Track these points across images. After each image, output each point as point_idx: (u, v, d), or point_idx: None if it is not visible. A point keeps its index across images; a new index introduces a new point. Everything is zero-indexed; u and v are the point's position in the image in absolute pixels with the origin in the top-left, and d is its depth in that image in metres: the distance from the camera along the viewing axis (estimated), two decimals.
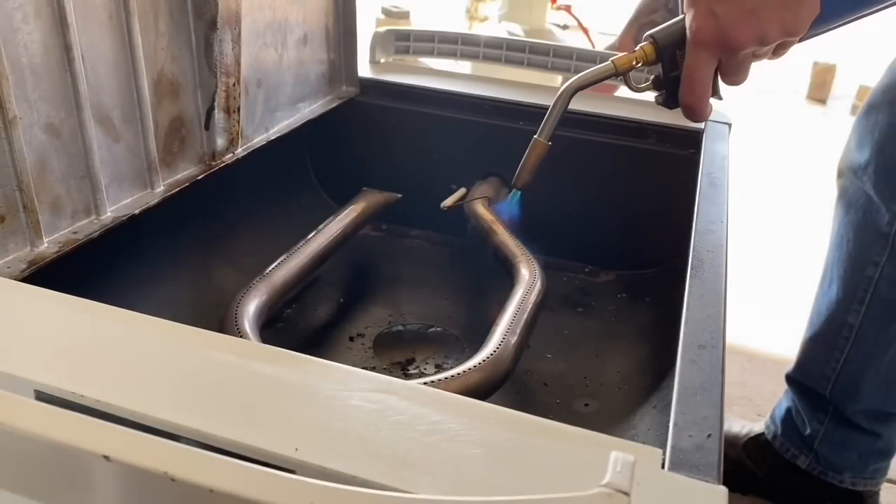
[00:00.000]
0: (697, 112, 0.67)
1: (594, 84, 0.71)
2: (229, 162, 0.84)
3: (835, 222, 0.95)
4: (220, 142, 0.83)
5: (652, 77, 0.70)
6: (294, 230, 0.87)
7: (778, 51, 0.64)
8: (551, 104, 0.73)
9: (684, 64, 0.65)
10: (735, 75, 0.65)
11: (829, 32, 0.64)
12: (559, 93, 0.72)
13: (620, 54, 0.69)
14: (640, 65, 0.68)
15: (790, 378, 1.02)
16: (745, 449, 1.07)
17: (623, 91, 1.08)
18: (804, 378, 0.99)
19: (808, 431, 0.99)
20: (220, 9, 0.76)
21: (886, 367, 0.92)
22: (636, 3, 1.10)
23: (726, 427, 1.10)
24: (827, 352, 0.95)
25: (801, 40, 0.62)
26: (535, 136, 0.75)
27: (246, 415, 0.39)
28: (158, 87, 0.74)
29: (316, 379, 0.42)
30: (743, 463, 1.07)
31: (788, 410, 1.02)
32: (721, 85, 0.68)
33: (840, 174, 0.95)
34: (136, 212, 0.72)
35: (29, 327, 0.46)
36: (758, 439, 1.06)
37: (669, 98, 0.69)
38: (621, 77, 0.70)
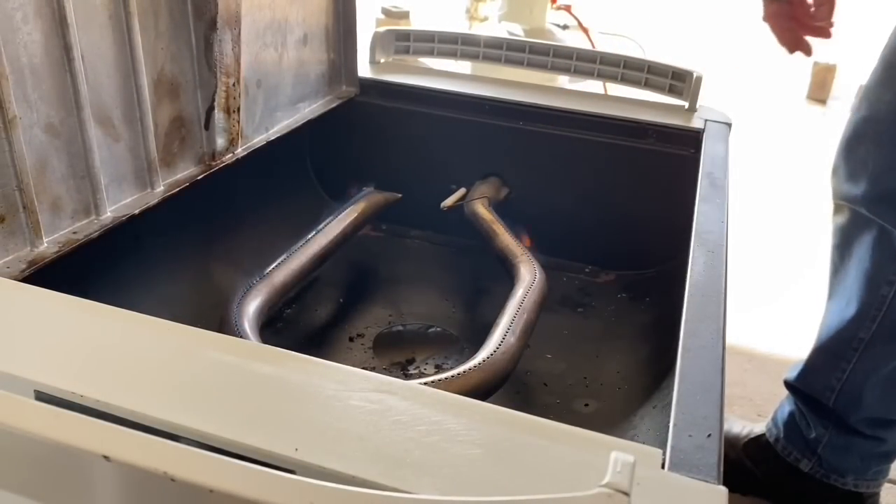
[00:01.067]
0: None
1: None
2: (229, 162, 0.84)
3: (843, 242, 0.94)
4: (220, 142, 0.83)
5: None
6: (294, 230, 0.87)
7: None
8: None
9: None
10: None
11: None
12: None
13: None
14: None
15: (791, 386, 1.02)
16: (745, 450, 1.07)
17: (623, 91, 1.08)
18: (806, 387, 0.99)
19: (812, 436, 0.98)
20: (220, 9, 0.76)
21: (888, 376, 0.92)
22: None
23: (726, 428, 1.10)
24: (833, 363, 0.94)
25: None
26: None
27: (246, 415, 0.39)
28: (158, 87, 0.74)
29: (316, 379, 0.42)
30: (743, 464, 1.07)
31: (791, 415, 1.02)
32: None
33: (838, 209, 0.94)
34: (136, 212, 0.72)
35: (29, 327, 0.46)
36: (758, 440, 1.06)
37: None
38: None
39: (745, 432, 1.09)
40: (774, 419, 1.05)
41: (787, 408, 1.03)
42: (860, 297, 0.91)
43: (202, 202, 0.83)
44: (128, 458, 0.30)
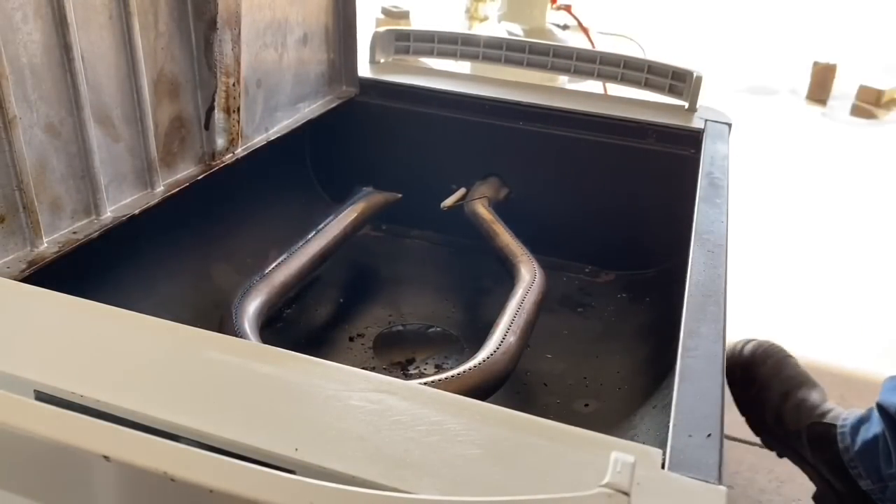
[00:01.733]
0: None
1: None
2: (229, 162, 0.84)
3: None
4: (220, 142, 0.83)
5: None
6: (294, 230, 0.87)
7: None
8: None
9: None
10: None
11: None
12: None
13: None
14: None
15: (886, 414, 0.94)
16: (808, 430, 1.00)
17: (623, 91, 1.08)
18: None
19: (890, 471, 0.92)
20: (220, 9, 0.76)
21: None
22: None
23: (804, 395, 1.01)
24: None
25: None
26: None
27: (246, 415, 0.39)
28: (158, 87, 0.74)
29: (316, 379, 0.42)
30: (801, 438, 0.99)
31: (876, 438, 0.94)
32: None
33: None
34: (136, 212, 0.72)
35: (29, 327, 0.46)
36: (826, 426, 0.99)
37: None
38: None
39: (825, 408, 1.00)
40: (854, 429, 0.97)
41: (875, 429, 0.94)
42: None
43: (202, 202, 0.83)
44: (128, 458, 0.30)
